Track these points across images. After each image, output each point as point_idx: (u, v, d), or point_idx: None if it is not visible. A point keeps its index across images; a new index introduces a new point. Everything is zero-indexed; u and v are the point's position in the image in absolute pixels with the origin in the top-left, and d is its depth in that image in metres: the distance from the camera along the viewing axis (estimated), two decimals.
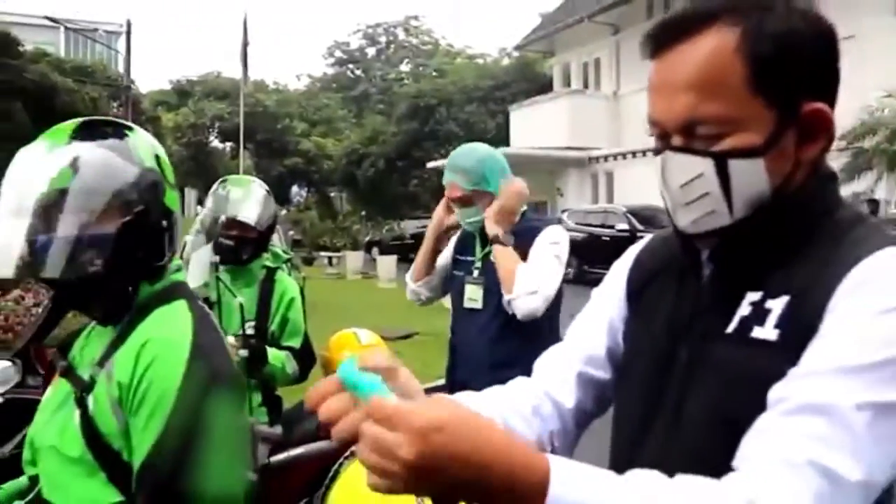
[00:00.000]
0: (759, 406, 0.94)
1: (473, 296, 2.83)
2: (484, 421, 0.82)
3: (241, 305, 3.06)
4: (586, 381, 1.28)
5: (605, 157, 24.53)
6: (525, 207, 2.95)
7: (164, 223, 1.55)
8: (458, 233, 3.11)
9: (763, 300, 1.03)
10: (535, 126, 26.33)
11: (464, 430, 0.79)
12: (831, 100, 1.05)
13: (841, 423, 0.86)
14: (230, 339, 2.99)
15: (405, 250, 23.59)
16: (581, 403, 1.28)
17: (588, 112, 25.51)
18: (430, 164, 27.73)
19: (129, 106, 25.35)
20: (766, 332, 1.00)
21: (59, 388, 1.58)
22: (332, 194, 46.71)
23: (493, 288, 2.76)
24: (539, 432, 1.22)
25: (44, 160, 1.44)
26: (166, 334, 1.48)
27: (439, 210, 3.05)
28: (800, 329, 0.96)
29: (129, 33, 26.98)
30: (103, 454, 1.44)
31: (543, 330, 2.59)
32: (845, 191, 15.84)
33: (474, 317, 2.83)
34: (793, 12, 1.02)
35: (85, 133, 1.49)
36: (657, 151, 1.09)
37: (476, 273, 2.86)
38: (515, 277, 2.65)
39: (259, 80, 49.14)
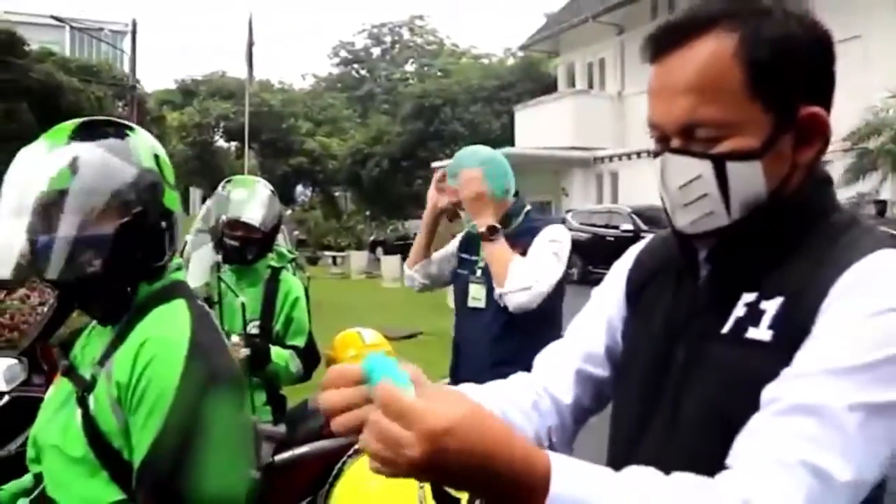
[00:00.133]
0: (754, 406, 0.95)
1: (477, 295, 2.84)
2: (490, 420, 0.83)
3: (244, 305, 3.07)
4: (585, 379, 1.30)
5: (610, 158, 24.51)
6: (529, 207, 2.96)
7: (164, 223, 1.56)
8: (464, 232, 3.11)
9: (758, 301, 1.04)
10: (540, 126, 26.33)
11: (473, 433, 0.80)
12: (827, 104, 1.06)
13: (832, 424, 0.87)
14: (234, 339, 3.00)
15: (409, 250, 23.57)
16: (579, 400, 1.29)
17: (593, 112, 25.50)
18: (435, 164, 27.73)
19: (134, 105, 25.40)
20: (761, 332, 1.01)
21: (60, 388, 1.59)
22: (337, 194, 46.77)
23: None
24: (537, 427, 1.23)
25: (43, 160, 1.44)
26: (164, 333, 1.48)
27: (431, 192, 3.05)
28: (793, 330, 0.98)
29: (134, 33, 27.03)
30: (105, 453, 1.45)
31: (546, 329, 2.59)
32: (850, 192, 15.82)
33: (478, 316, 2.84)
34: (790, 18, 1.04)
35: (84, 133, 1.50)
36: (656, 153, 1.10)
37: (480, 273, 2.86)
38: (508, 272, 2.66)
39: (264, 80, 49.27)
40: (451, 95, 35.50)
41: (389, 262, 20.84)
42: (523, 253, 2.73)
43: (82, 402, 1.48)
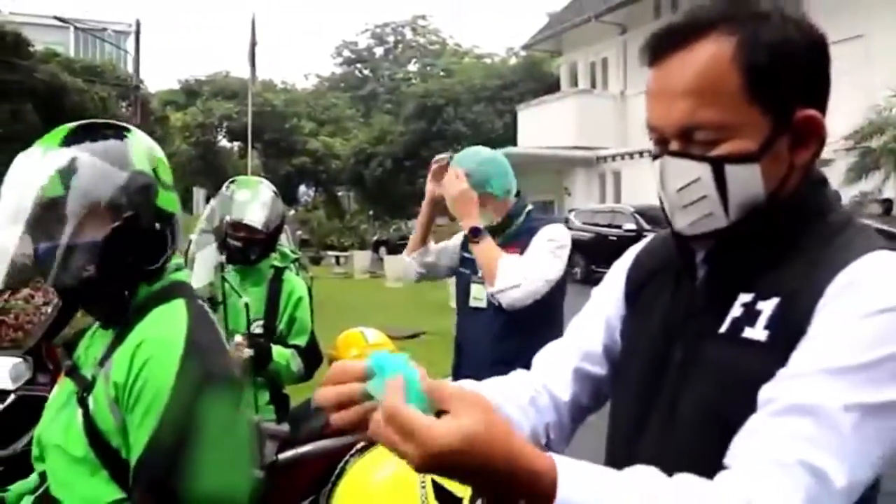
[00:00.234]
0: (750, 405, 0.96)
1: (478, 294, 2.84)
2: (496, 431, 0.84)
3: (247, 305, 3.09)
4: (583, 377, 1.32)
5: (613, 157, 24.48)
6: (530, 207, 2.97)
7: (158, 225, 1.55)
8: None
9: (754, 301, 1.05)
10: (543, 126, 26.30)
11: (474, 451, 0.82)
12: (823, 106, 1.08)
13: (828, 424, 0.89)
14: (237, 339, 3.02)
15: None
16: (577, 398, 1.31)
17: (595, 112, 25.47)
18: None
19: (137, 106, 25.40)
20: (757, 332, 1.03)
21: (63, 387, 1.60)
22: (340, 194, 46.76)
23: None
24: (534, 423, 1.25)
25: (36, 167, 1.45)
26: (161, 334, 1.49)
27: (429, 182, 3.06)
28: (788, 330, 0.99)
29: (138, 33, 27.04)
30: (104, 453, 1.46)
31: (548, 328, 2.60)
32: (853, 190, 15.79)
33: (479, 316, 2.85)
34: (787, 22, 1.05)
35: (78, 137, 1.50)
36: (655, 156, 1.12)
37: (481, 272, 2.88)
38: (497, 270, 2.67)
39: (267, 80, 49.18)
40: (454, 95, 35.45)
41: (392, 262, 20.79)
42: (523, 252, 2.74)
43: (82, 402, 1.50)
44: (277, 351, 3.21)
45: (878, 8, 17.45)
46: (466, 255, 3.02)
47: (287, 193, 35.93)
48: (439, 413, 0.85)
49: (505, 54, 49.18)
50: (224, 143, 48.38)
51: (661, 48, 1.08)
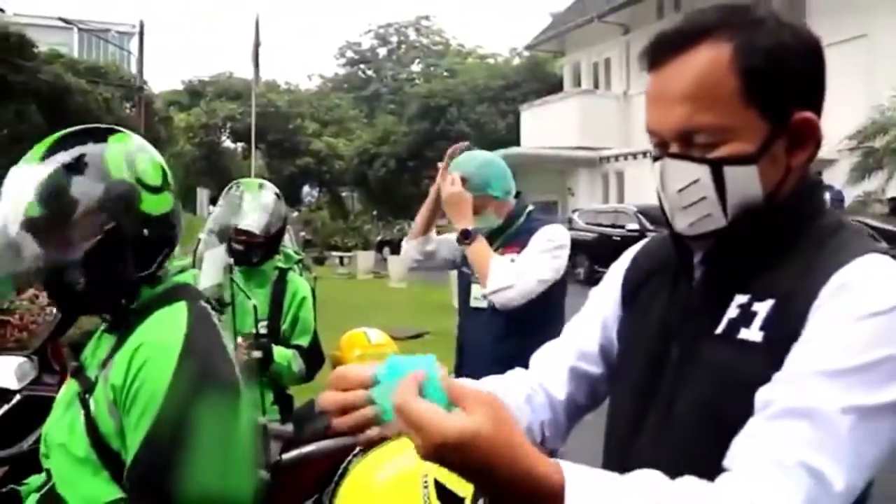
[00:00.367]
0: (746, 405, 0.98)
1: (479, 294, 2.86)
2: (502, 430, 0.86)
3: (255, 307, 3.11)
4: (578, 376, 1.34)
5: (616, 157, 24.48)
6: (531, 207, 2.99)
7: (146, 231, 1.53)
8: None
9: (750, 303, 1.07)
10: (546, 126, 26.32)
11: (478, 449, 0.83)
12: (818, 108, 1.09)
13: (826, 427, 0.90)
14: (238, 340, 3.04)
15: None
16: (572, 396, 1.33)
17: (598, 112, 25.49)
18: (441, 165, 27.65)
19: (141, 106, 25.47)
20: (752, 333, 1.04)
21: (69, 388, 1.61)
22: (344, 194, 46.78)
23: None
24: (530, 420, 1.27)
25: (17, 186, 1.47)
26: (160, 337, 1.49)
27: (441, 172, 3.07)
28: (783, 332, 1.00)
29: (141, 34, 27.12)
30: (106, 454, 1.47)
31: (549, 328, 2.62)
32: (856, 190, 15.78)
33: (480, 315, 2.87)
34: (783, 27, 1.07)
35: (55, 152, 1.49)
36: (656, 158, 1.13)
37: (475, 274, 2.89)
38: (489, 272, 2.69)
39: (271, 81, 49.21)
40: (457, 95, 35.47)
41: (396, 263, 20.83)
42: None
43: (84, 404, 1.51)
44: (279, 352, 3.23)
45: (882, 8, 17.44)
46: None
47: (291, 194, 36.02)
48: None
49: (508, 55, 49.24)
50: (228, 143, 48.49)
51: (659, 53, 1.10)
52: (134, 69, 28.22)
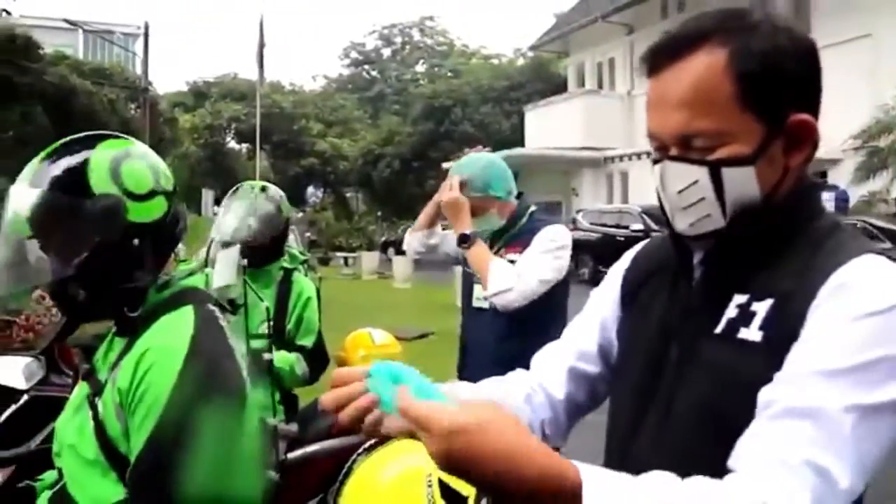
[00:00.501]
0: (745, 404, 1.00)
1: (482, 295, 2.88)
2: (512, 428, 0.87)
3: (268, 309, 3.13)
4: (578, 376, 1.36)
5: (620, 157, 24.47)
6: (534, 208, 3.00)
7: (136, 240, 1.53)
8: None
9: (749, 303, 1.09)
10: (550, 126, 26.32)
11: (487, 436, 0.85)
12: (815, 110, 1.11)
13: (829, 426, 0.92)
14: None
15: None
16: (572, 396, 1.35)
17: (602, 112, 25.48)
18: (446, 165, 27.65)
19: (146, 108, 25.51)
20: (752, 333, 1.06)
21: (80, 390, 1.63)
22: (348, 195, 46.80)
23: None
24: (529, 419, 1.29)
25: (13, 207, 1.51)
26: (166, 342, 1.51)
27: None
28: (782, 331, 1.02)
29: (146, 35, 27.18)
30: (113, 456, 1.49)
31: (552, 328, 2.64)
32: (861, 190, 15.75)
33: (483, 316, 2.89)
34: (778, 31, 1.09)
35: (43, 171, 1.51)
36: (656, 160, 1.16)
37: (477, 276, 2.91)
38: (489, 275, 2.71)
39: (275, 82, 49.26)
40: (462, 96, 35.47)
41: (400, 263, 20.83)
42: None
43: (93, 406, 1.53)
44: (280, 356, 3.23)
45: (886, 8, 17.41)
46: None
47: (295, 194, 36.00)
48: None
49: (512, 55, 49.29)
50: (232, 144, 48.54)
51: (657, 60, 1.12)
52: (139, 70, 28.27)
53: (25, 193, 1.50)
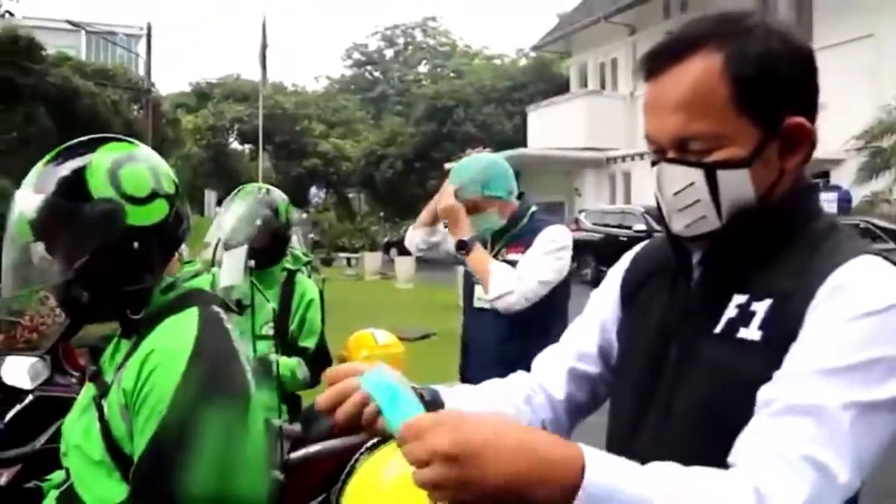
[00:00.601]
0: (744, 403, 1.01)
1: (482, 295, 2.89)
2: (504, 419, 0.90)
3: (274, 310, 3.14)
4: (577, 376, 1.38)
5: (623, 158, 24.45)
6: (535, 208, 3.02)
7: (136, 244, 1.54)
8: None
9: (748, 303, 1.10)
10: (553, 127, 26.30)
11: (487, 424, 0.87)
12: (811, 113, 1.13)
13: (828, 423, 0.94)
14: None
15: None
16: (572, 396, 1.37)
17: (605, 112, 25.46)
18: (448, 166, 27.61)
19: (149, 109, 25.53)
20: (751, 332, 1.08)
21: (87, 391, 1.65)
22: (351, 195, 46.79)
23: None
24: (530, 419, 1.32)
25: (17, 211, 1.54)
26: (170, 344, 1.52)
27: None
28: (781, 331, 1.04)
29: (149, 36, 27.19)
30: (119, 456, 1.50)
31: (554, 328, 2.65)
32: (864, 190, 15.73)
33: (484, 316, 2.90)
34: (772, 35, 1.10)
35: (45, 176, 1.53)
36: (654, 162, 1.18)
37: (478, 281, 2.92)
38: (489, 279, 2.73)
39: (278, 83, 49.18)
40: (464, 96, 35.40)
41: (403, 264, 20.85)
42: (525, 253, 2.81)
43: (99, 407, 1.55)
44: (281, 362, 3.24)
45: (888, 8, 17.39)
46: None
47: (298, 195, 36.02)
48: None
49: (515, 55, 49.14)
50: (235, 145, 48.51)
51: (655, 64, 1.14)
52: (141, 71, 28.25)
53: (28, 198, 1.52)
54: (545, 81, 34.18)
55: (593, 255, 17.07)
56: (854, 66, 16.46)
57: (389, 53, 58.23)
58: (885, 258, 1.06)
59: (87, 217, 1.50)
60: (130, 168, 1.56)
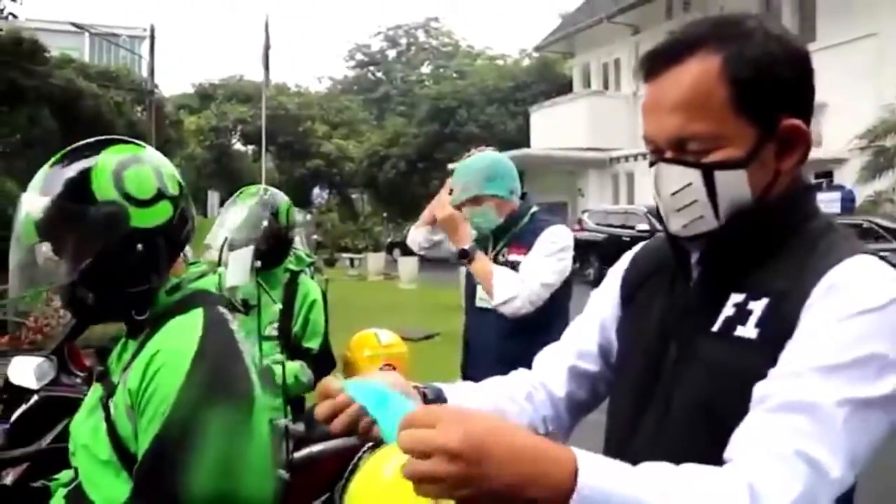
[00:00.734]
0: (741, 401, 1.03)
1: (484, 295, 2.91)
2: (501, 420, 0.92)
3: (281, 311, 3.15)
4: (578, 374, 1.40)
5: (626, 158, 24.43)
6: (536, 208, 3.03)
7: (140, 246, 1.54)
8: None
9: (746, 301, 1.12)
10: (556, 127, 26.30)
11: (490, 420, 0.89)
12: (807, 115, 1.15)
13: (822, 419, 0.95)
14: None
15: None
16: (572, 393, 1.39)
17: (608, 113, 25.44)
18: (451, 166, 27.60)
19: (152, 110, 25.59)
20: (748, 331, 1.10)
21: (94, 391, 1.67)
22: (354, 196, 46.78)
23: None
24: (531, 416, 1.34)
25: (23, 213, 1.55)
26: (175, 345, 1.53)
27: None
28: (778, 329, 1.06)
29: (152, 38, 27.27)
30: (125, 455, 1.52)
31: (555, 327, 2.66)
32: (867, 189, 15.71)
33: (486, 315, 2.92)
34: (770, 38, 1.12)
35: (50, 178, 1.54)
36: (652, 163, 1.19)
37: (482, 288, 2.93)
38: (494, 285, 2.75)
39: (280, 83, 49.11)
40: (467, 97, 35.35)
41: (406, 264, 20.86)
42: (528, 253, 2.81)
43: (106, 407, 1.56)
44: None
45: (891, 7, 17.36)
46: None
47: (301, 196, 36.01)
48: None
49: (517, 56, 49.03)
50: (238, 146, 48.53)
51: (654, 65, 1.16)
52: (145, 73, 28.35)
53: (33, 200, 1.53)
54: (548, 82, 34.14)
55: (596, 255, 17.07)
56: (857, 65, 16.44)
57: (392, 54, 58.21)
58: (880, 258, 1.07)
59: (90, 220, 1.51)
60: (135, 170, 1.56)
